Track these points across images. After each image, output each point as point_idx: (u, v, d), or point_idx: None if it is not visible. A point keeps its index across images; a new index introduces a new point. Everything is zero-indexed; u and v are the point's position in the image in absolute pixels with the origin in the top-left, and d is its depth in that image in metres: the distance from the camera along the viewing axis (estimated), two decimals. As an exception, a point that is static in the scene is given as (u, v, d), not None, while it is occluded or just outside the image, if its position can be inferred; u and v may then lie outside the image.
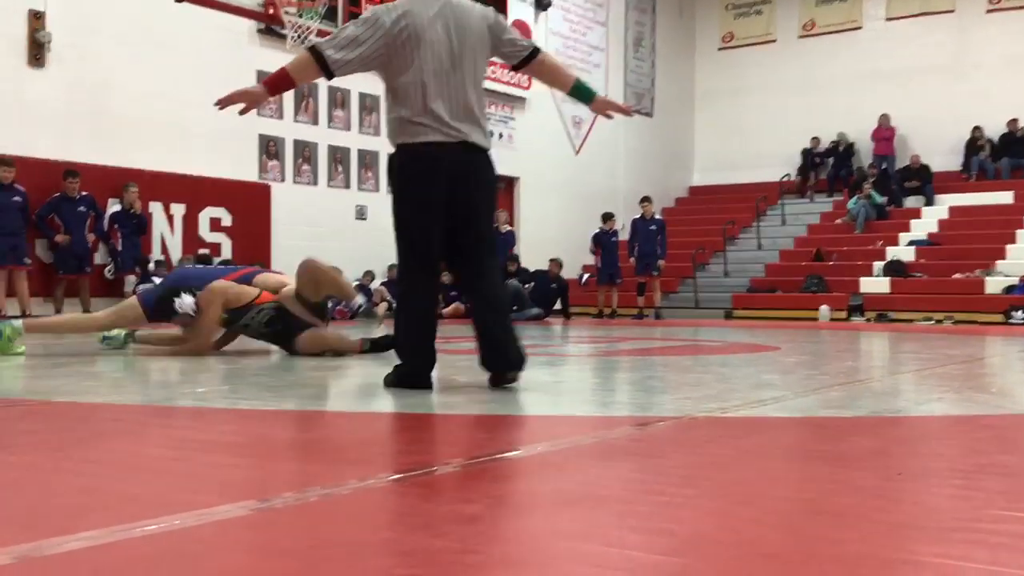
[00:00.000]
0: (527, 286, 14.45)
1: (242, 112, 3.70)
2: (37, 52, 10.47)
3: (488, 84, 14.47)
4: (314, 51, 3.61)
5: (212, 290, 5.54)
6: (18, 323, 5.59)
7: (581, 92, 4.00)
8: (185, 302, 5.50)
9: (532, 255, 15.70)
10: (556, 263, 14.93)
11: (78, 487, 1.90)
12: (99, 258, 11.01)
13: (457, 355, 5.22)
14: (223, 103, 3.67)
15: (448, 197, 3.62)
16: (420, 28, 3.61)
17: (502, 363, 3.72)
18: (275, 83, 3.71)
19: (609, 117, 4.19)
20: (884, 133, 18.60)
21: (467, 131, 3.64)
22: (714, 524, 1.63)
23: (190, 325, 5.63)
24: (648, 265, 14.75)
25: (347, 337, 5.92)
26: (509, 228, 15.34)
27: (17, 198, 9.97)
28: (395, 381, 3.73)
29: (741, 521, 1.66)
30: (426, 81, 3.60)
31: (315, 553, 1.42)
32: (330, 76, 3.67)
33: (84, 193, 10.62)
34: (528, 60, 3.90)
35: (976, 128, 17.77)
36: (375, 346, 5.71)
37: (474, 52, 3.71)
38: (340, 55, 3.59)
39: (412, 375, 3.70)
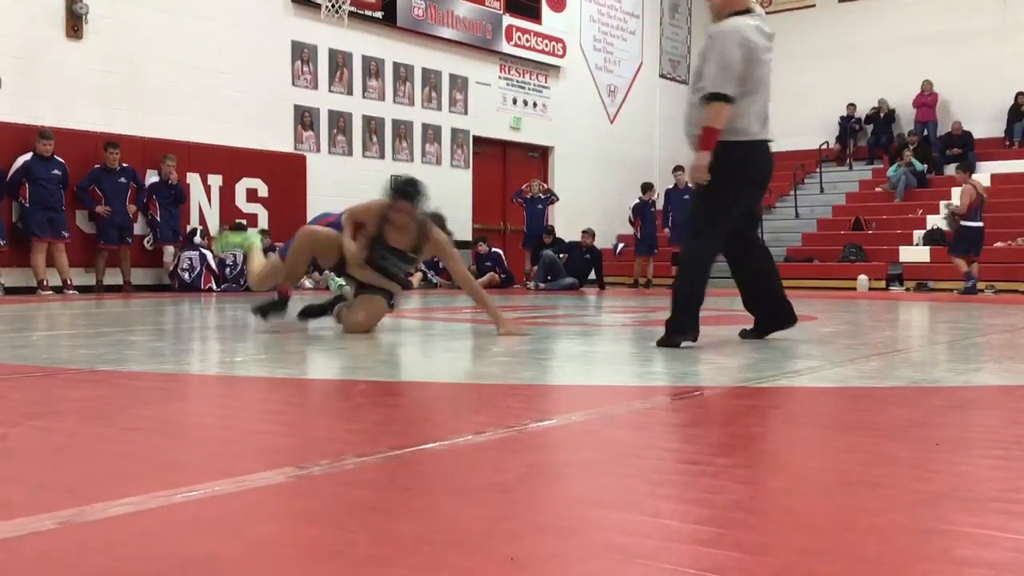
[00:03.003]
0: (561, 256, 14.44)
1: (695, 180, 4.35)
2: (75, 24, 10.55)
3: (521, 52, 14.54)
4: (722, 98, 4.20)
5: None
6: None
7: None
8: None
9: (566, 224, 15.65)
10: (589, 234, 14.88)
11: (120, 454, 1.93)
12: (138, 229, 11.14)
13: (492, 324, 5.22)
14: (699, 183, 4.30)
15: (761, 182, 4.58)
16: (757, 47, 4.32)
17: (789, 315, 4.67)
18: (708, 142, 4.25)
19: None
20: (926, 99, 18.25)
21: (770, 131, 4.44)
22: (749, 494, 1.62)
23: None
24: (682, 235, 14.66)
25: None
26: (543, 196, 15.26)
27: (56, 171, 10.07)
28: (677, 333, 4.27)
29: (777, 491, 1.66)
30: (761, 93, 4.36)
31: (351, 520, 1.44)
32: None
33: (124, 164, 10.72)
34: None
35: (1020, 94, 17.37)
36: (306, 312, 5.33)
37: (770, 63, 4.44)
38: (733, 90, 4.22)
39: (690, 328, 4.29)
